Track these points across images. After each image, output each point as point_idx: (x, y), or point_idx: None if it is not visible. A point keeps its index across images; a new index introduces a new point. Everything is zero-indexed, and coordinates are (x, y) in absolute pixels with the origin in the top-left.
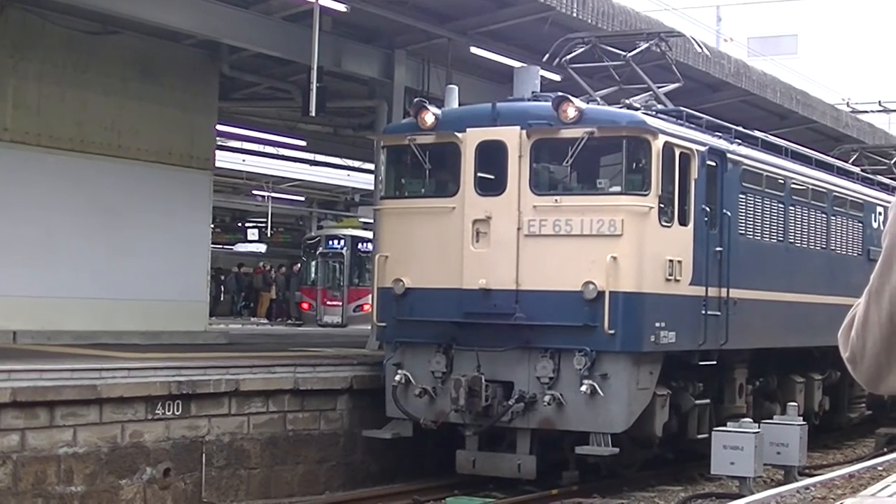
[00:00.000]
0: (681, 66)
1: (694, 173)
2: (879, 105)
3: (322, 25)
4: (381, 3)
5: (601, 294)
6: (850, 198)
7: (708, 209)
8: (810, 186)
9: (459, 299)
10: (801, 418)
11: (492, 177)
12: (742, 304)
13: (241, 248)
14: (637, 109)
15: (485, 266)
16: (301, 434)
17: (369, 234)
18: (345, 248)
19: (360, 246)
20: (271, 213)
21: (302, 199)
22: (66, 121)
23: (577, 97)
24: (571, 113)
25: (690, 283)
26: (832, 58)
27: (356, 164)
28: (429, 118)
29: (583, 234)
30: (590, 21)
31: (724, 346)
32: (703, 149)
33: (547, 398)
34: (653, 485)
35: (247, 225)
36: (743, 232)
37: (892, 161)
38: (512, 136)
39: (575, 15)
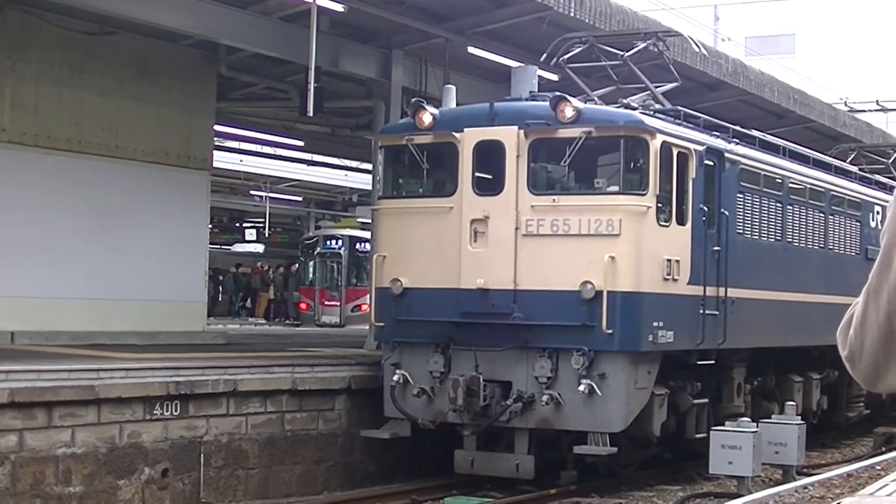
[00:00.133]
0: (678, 65)
1: (692, 173)
2: (877, 104)
3: (319, 25)
4: (378, 3)
5: (599, 294)
6: (847, 197)
7: (706, 209)
8: (808, 186)
9: (457, 299)
10: (800, 417)
11: (489, 176)
12: (740, 304)
13: (238, 248)
14: (635, 109)
15: (483, 266)
16: (299, 434)
17: (367, 234)
18: (343, 249)
19: (357, 246)
20: (269, 214)
21: (300, 199)
22: (64, 121)
23: (574, 97)
24: (569, 113)
25: (688, 283)
26: (830, 57)
27: (354, 164)
28: (426, 118)
29: (581, 233)
30: (587, 21)
31: (722, 345)
32: (700, 148)
33: (545, 398)
34: (651, 484)
35: (244, 225)
36: (741, 231)
37: (890, 160)
38: (510, 136)
39: (572, 14)
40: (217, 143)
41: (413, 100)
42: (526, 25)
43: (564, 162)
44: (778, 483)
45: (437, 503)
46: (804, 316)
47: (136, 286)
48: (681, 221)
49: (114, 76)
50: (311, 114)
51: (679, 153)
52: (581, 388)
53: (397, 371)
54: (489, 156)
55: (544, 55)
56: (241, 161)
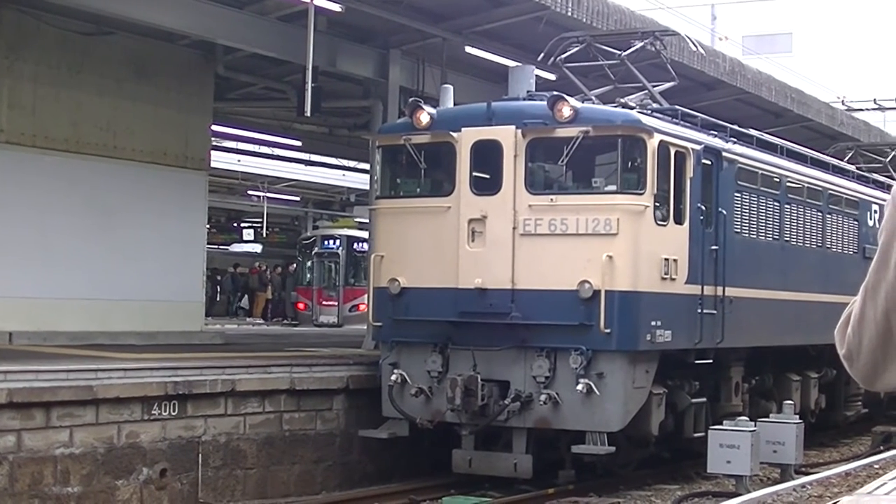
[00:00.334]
0: (676, 64)
1: (689, 172)
2: (874, 103)
3: (317, 25)
4: (375, 3)
5: (597, 293)
6: (845, 196)
7: (703, 208)
8: (806, 185)
9: (455, 299)
10: (798, 416)
11: (487, 176)
12: (738, 303)
13: (236, 248)
14: (632, 108)
15: (480, 265)
16: (297, 434)
17: (365, 234)
18: (340, 248)
19: (355, 246)
20: (267, 214)
21: (297, 199)
22: (62, 121)
23: (572, 96)
24: (566, 112)
25: (686, 282)
26: (827, 56)
27: (351, 163)
28: (424, 118)
29: (578, 233)
30: (584, 20)
31: (720, 344)
32: (698, 147)
33: (543, 397)
34: (649, 484)
35: (242, 225)
36: (738, 230)
37: (888, 159)
38: (507, 136)
39: (570, 14)
40: (214, 143)
41: (410, 99)
42: (523, 25)
43: (562, 161)
44: (776, 482)
45: (435, 503)
46: (802, 315)
47: (134, 286)
48: (678, 221)
49: (111, 76)
50: (308, 114)
51: (677, 152)
52: (579, 387)
53: (395, 371)
54: (487, 155)
55: (542, 55)
56: (239, 161)
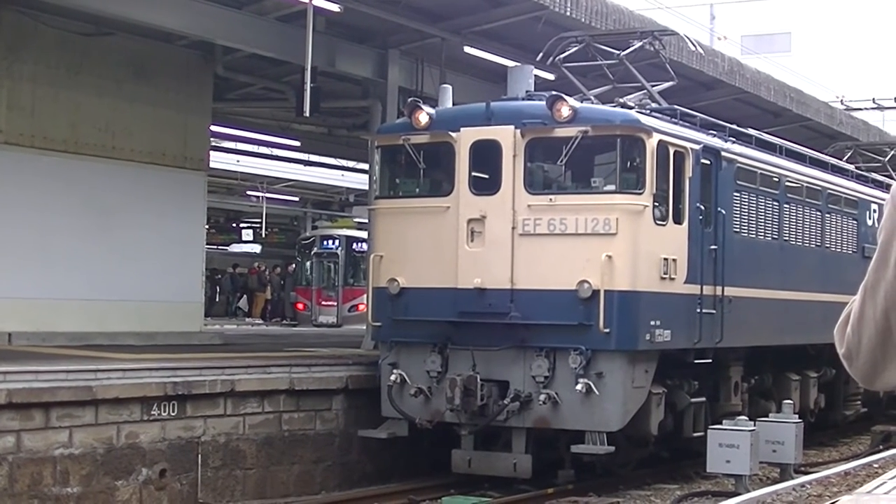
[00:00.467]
0: (674, 64)
1: (688, 172)
2: (873, 102)
3: (315, 26)
4: (374, 3)
5: (596, 293)
6: (844, 195)
7: (702, 207)
8: (805, 184)
9: (454, 299)
10: (797, 416)
11: (486, 176)
12: (737, 302)
13: (235, 248)
14: (631, 108)
15: (480, 265)
16: (297, 434)
17: (364, 234)
18: (339, 248)
19: (354, 246)
20: (266, 214)
21: (296, 199)
22: (60, 122)
23: (570, 96)
24: (565, 112)
25: (685, 282)
26: (826, 55)
27: (350, 164)
28: (423, 118)
29: (577, 232)
30: (583, 20)
31: (719, 344)
32: (697, 147)
33: (542, 397)
34: (649, 483)
35: (241, 225)
36: (738, 230)
37: (887, 158)
38: (506, 136)
39: (568, 14)
40: (213, 144)
41: (409, 99)
42: (522, 25)
43: (561, 161)
44: (775, 481)
45: (434, 503)
46: (801, 314)
47: (133, 287)
48: (677, 220)
49: (110, 77)
50: (307, 114)
51: (676, 152)
52: (578, 387)
53: (394, 371)
54: (486, 155)
55: (540, 54)
56: (238, 161)
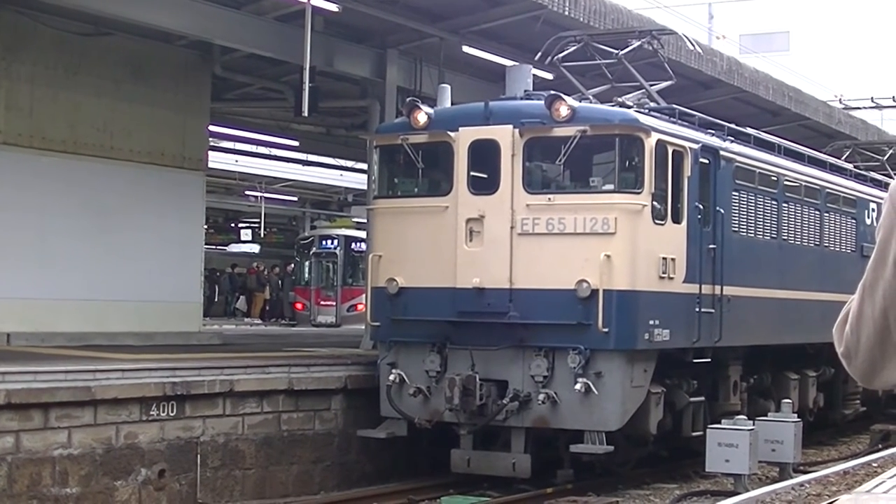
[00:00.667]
0: (673, 63)
1: (687, 171)
2: (872, 101)
3: (314, 25)
4: (372, 3)
5: (595, 292)
6: (843, 194)
7: (701, 206)
8: (803, 183)
9: (453, 298)
10: (796, 415)
11: (485, 176)
12: (736, 302)
13: (234, 248)
14: (630, 107)
15: (478, 265)
16: (296, 434)
17: (363, 234)
18: (338, 248)
19: (353, 246)
20: (264, 214)
21: (295, 199)
22: (59, 122)
23: (569, 96)
24: (564, 111)
25: (684, 281)
26: (824, 54)
27: (349, 163)
28: (421, 117)
29: (576, 232)
30: (582, 19)
31: (718, 343)
32: (695, 146)
33: (541, 397)
34: (648, 483)
35: (240, 225)
36: (736, 229)
37: (885, 157)
38: (505, 135)
39: (567, 13)
40: (212, 144)
41: (408, 99)
42: (520, 24)
43: (559, 161)
44: (774, 481)
45: (433, 503)
46: (800, 313)
47: (131, 287)
48: (676, 219)
49: (109, 77)
50: (305, 114)
51: (674, 151)
52: (577, 386)
53: (393, 370)
54: (484, 155)
55: (539, 54)
56: (237, 161)
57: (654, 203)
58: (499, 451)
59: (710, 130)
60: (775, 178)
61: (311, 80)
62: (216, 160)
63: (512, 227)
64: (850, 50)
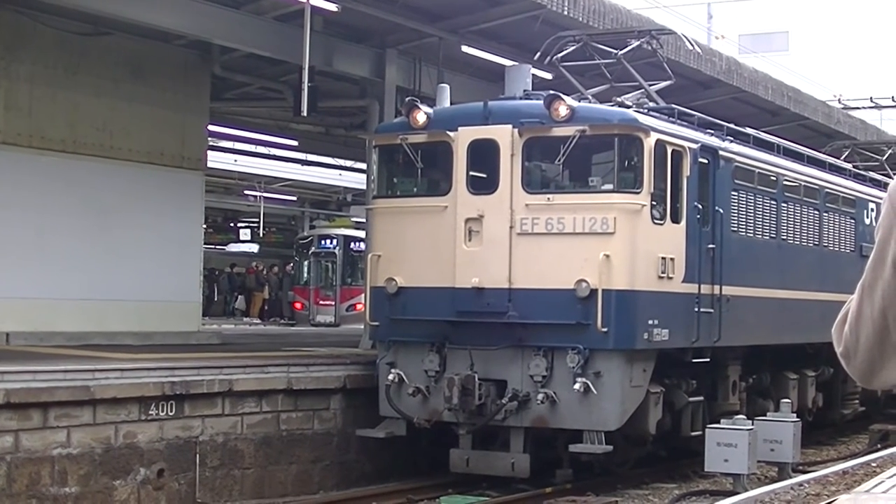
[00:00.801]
0: (672, 63)
1: (686, 171)
2: (871, 101)
3: (313, 25)
4: (371, 3)
5: (594, 292)
6: (842, 194)
7: (700, 206)
8: (802, 183)
9: (452, 298)
10: (795, 415)
11: (484, 175)
12: (735, 301)
13: (233, 248)
14: (629, 107)
15: (477, 265)
16: (295, 434)
17: (362, 234)
18: (337, 248)
19: (352, 245)
20: (263, 213)
21: (294, 198)
22: (58, 122)
23: (568, 95)
24: (563, 111)
25: (683, 281)
26: (823, 54)
27: (348, 163)
28: (420, 117)
29: (575, 232)
30: (581, 19)
31: (717, 343)
32: (695, 146)
33: (540, 396)
34: (646, 482)
35: (239, 225)
36: (735, 229)
37: (884, 157)
38: (504, 135)
39: (566, 13)
40: (211, 144)
41: (407, 99)
42: (519, 24)
43: (559, 160)
44: (773, 480)
45: (432, 502)
46: (799, 313)
47: (130, 286)
48: (675, 219)
49: (108, 77)
50: (305, 113)
51: (673, 151)
52: (576, 386)
53: (392, 370)
54: (483, 155)
55: (538, 54)
56: (236, 161)
57: (654, 203)
58: (498, 451)
59: (709, 130)
60: (774, 178)
61: (310, 80)
62: (215, 160)
63: (511, 227)
64: (850, 50)
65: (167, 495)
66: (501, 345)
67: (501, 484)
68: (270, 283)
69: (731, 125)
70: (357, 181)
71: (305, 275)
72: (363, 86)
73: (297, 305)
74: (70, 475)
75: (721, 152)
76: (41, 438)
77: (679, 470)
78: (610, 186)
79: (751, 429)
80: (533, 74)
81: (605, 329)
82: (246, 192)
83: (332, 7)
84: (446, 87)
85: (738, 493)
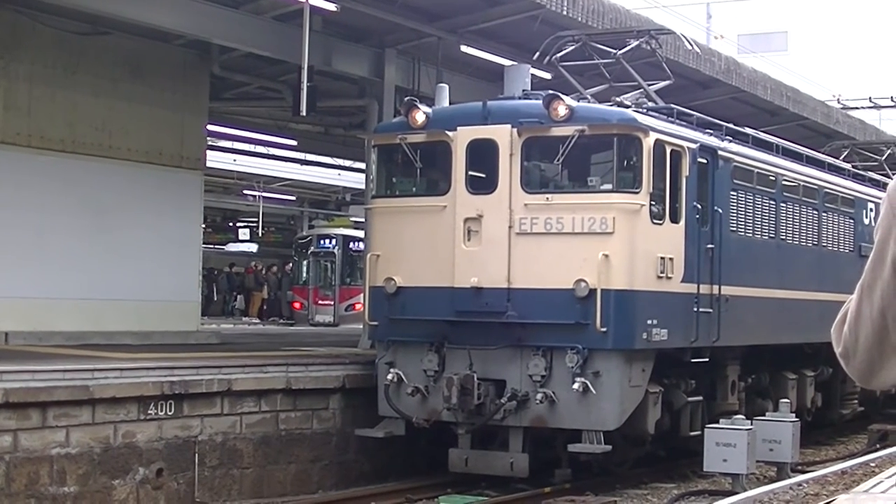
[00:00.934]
0: (671, 63)
1: (685, 170)
2: (870, 101)
3: (312, 25)
4: (371, 3)
5: (593, 292)
6: (841, 194)
7: (699, 206)
8: (801, 183)
9: (451, 298)
10: (794, 415)
11: (483, 175)
12: (734, 301)
13: (232, 247)
14: (628, 107)
15: (476, 264)
16: (293, 433)
17: (361, 234)
18: (336, 248)
19: (351, 245)
20: (262, 213)
21: (293, 198)
22: (57, 122)
23: (567, 95)
24: (562, 111)
25: (682, 281)
26: (822, 54)
27: (347, 163)
28: (419, 117)
29: (574, 231)
30: (580, 19)
31: (716, 343)
32: (694, 146)
33: (539, 396)
34: (645, 482)
35: (238, 225)
36: (734, 229)
37: (883, 157)
38: (503, 135)
39: (565, 13)
40: (210, 143)
41: (406, 99)
42: (519, 24)
43: (558, 160)
44: (772, 480)
45: (431, 502)
46: (798, 313)
47: (129, 286)
48: (674, 219)
49: (107, 76)
50: (304, 113)
51: (672, 151)
52: (575, 386)
53: (391, 370)
54: (482, 154)
55: (537, 53)
56: (235, 161)
57: (653, 203)
58: (497, 451)
59: (708, 130)
60: (773, 178)
61: (309, 80)
62: (214, 159)
63: (510, 227)
64: (849, 50)
65: (166, 495)
66: (500, 344)
67: (500, 483)
68: (269, 283)
69: (730, 125)
70: (356, 181)
71: (304, 274)
72: (362, 85)
73: (296, 305)
74: (69, 475)
75: (720, 152)
76: (40, 438)
77: (678, 470)
78: (609, 186)
79: (750, 429)
80: (532, 74)
81: (603, 329)
82: (245, 191)
83: (332, 7)
84: (445, 86)
85: (736, 493)
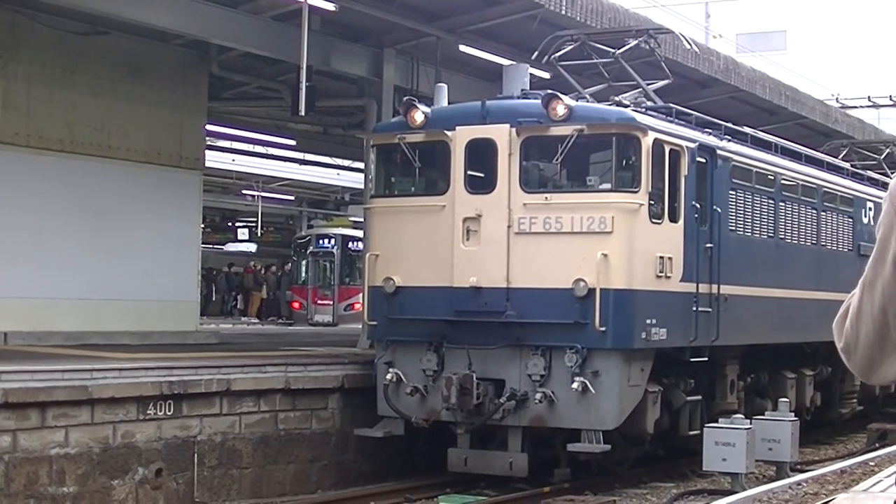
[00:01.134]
0: (670, 62)
1: (684, 170)
2: (868, 100)
3: (311, 24)
4: (369, 2)
5: (592, 291)
6: (840, 193)
7: (698, 205)
8: (800, 182)
9: (450, 297)
10: (793, 414)
11: (482, 175)
12: (733, 301)
13: (231, 247)
14: (626, 106)
15: (475, 264)
16: (293, 433)
17: (359, 233)
18: (335, 247)
19: (350, 245)
20: (261, 213)
21: (292, 198)
22: (56, 122)
23: (566, 95)
24: (561, 110)
25: (681, 280)
26: (821, 53)
27: (346, 162)
28: (418, 116)
29: (573, 231)
30: (579, 18)
31: (715, 342)
32: (692, 145)
33: (538, 396)
34: (644, 482)
35: (237, 224)
36: (733, 228)
37: (882, 156)
38: (502, 134)
39: (564, 12)
40: (209, 143)
41: (405, 98)
42: (517, 23)
43: (556, 160)
44: (772, 480)
45: (430, 501)
46: (797, 312)
47: (128, 286)
48: (673, 218)
49: (106, 76)
50: (302, 113)
51: (671, 150)
52: (574, 385)
53: (390, 370)
54: (481, 154)
55: (536, 53)
56: (234, 160)
57: (651, 202)
58: (496, 451)
59: (706, 129)
60: (772, 177)
61: (307, 80)
62: (213, 159)
63: (509, 227)
64: (847, 49)
65: (165, 495)
66: (499, 344)
67: (499, 483)
68: (268, 283)
69: (729, 124)
70: (355, 180)
71: (303, 274)
72: (361, 85)
73: (295, 305)
74: (68, 475)
75: (719, 151)
76: (39, 438)
77: (677, 469)
78: (608, 186)
79: (749, 428)
80: (531, 74)
81: (602, 328)
82: (244, 191)
83: (330, 6)
84: (444, 86)
85: (736, 493)
